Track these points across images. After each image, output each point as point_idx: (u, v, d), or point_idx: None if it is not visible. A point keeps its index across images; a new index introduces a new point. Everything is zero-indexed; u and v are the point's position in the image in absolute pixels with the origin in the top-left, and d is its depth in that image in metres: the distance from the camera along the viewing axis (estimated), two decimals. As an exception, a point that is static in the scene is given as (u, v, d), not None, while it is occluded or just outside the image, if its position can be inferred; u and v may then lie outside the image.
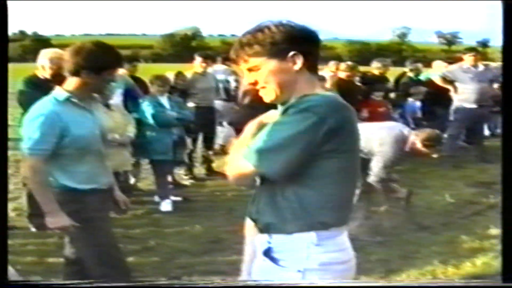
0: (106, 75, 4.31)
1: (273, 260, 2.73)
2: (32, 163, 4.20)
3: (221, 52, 19.05)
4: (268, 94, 2.76)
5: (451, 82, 11.24)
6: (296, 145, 2.57)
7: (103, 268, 4.35)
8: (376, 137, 6.58)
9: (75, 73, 4.21)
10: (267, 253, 2.76)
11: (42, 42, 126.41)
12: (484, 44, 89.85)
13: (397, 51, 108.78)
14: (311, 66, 2.77)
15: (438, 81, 11.48)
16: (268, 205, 2.76)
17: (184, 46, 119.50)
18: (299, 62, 2.71)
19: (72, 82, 4.27)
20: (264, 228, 2.79)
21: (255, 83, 2.78)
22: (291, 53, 2.70)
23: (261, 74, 2.75)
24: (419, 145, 6.52)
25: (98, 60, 4.21)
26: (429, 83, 12.30)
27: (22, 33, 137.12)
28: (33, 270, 6.03)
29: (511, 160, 2.06)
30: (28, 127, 4.21)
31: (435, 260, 6.17)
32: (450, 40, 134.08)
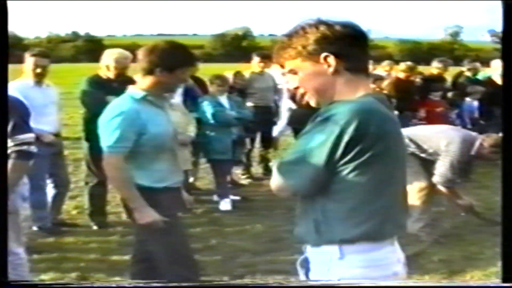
0: (179, 74, 4.36)
1: (306, 270, 2.72)
2: (114, 161, 4.27)
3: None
4: (310, 98, 2.64)
5: None
6: (318, 157, 2.46)
7: (175, 267, 4.39)
8: (444, 136, 6.52)
9: (149, 71, 4.26)
10: (302, 263, 2.73)
11: (94, 42, 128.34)
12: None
13: (449, 50, 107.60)
14: (351, 66, 2.56)
15: (500, 81, 11.32)
16: (300, 216, 2.70)
17: (234, 46, 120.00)
18: (333, 63, 2.53)
19: (146, 81, 4.32)
20: (297, 239, 2.74)
21: (297, 88, 2.66)
22: (323, 54, 2.53)
23: (299, 78, 2.62)
24: (486, 150, 6.44)
25: (172, 58, 4.27)
26: (487, 82, 12.15)
27: (75, 34, 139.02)
28: (97, 268, 6.13)
29: (511, 160, 2.01)
30: (108, 125, 4.25)
31: (499, 262, 6.12)
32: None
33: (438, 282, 3.85)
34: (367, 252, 2.54)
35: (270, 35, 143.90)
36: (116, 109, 4.28)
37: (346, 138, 2.40)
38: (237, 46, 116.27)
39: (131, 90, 4.39)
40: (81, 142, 8.10)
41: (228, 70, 10.40)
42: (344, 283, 2.49)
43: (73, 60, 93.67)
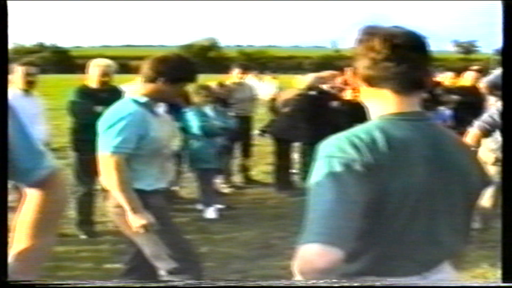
0: (179, 88, 4.58)
1: None
2: (116, 162, 4.31)
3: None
4: None
5: (497, 89, 11.27)
6: None
7: (177, 265, 4.51)
8: None
9: (152, 80, 4.43)
10: None
11: (61, 53, 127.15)
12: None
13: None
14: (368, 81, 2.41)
15: (485, 90, 11.49)
16: None
17: (201, 57, 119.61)
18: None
19: (146, 88, 4.48)
20: None
21: None
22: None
23: None
24: None
25: (177, 72, 4.45)
26: (462, 91, 12.37)
27: (41, 45, 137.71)
28: (92, 276, 6.19)
29: (511, 160, 2.07)
30: (113, 126, 4.34)
31: (484, 264, 6.30)
32: (468, 48, 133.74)
33: (438, 282, 3.94)
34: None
35: (237, 46, 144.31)
36: (121, 111, 4.41)
37: None
38: (204, 57, 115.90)
39: (132, 95, 4.56)
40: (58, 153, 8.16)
41: (199, 81, 10.50)
42: (344, 283, 2.47)
43: (40, 72, 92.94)
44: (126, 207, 4.37)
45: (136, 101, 4.45)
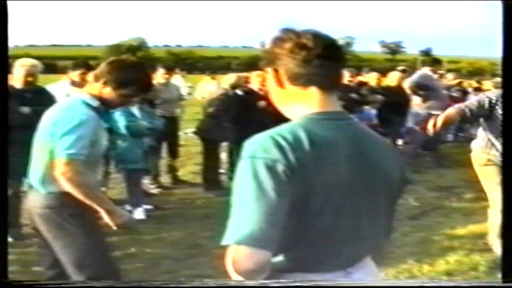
0: (119, 95, 4.35)
1: None
2: (77, 167, 4.13)
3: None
4: None
5: (421, 89, 11.53)
6: None
7: (99, 270, 4.44)
8: None
9: (96, 79, 4.32)
10: None
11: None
12: (427, 53, 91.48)
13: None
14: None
15: (408, 89, 11.74)
16: None
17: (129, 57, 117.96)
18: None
19: (93, 88, 4.35)
20: None
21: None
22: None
23: None
24: None
25: (119, 77, 4.30)
26: (387, 91, 12.59)
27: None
28: (21, 279, 6.08)
29: (511, 160, 2.12)
30: (71, 131, 4.13)
31: (409, 259, 6.42)
32: (394, 49, 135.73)
33: (438, 282, 4.01)
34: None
35: (165, 46, 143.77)
36: (77, 115, 4.19)
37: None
38: (132, 57, 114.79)
39: (82, 95, 4.37)
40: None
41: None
42: (343, 283, 2.44)
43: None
44: (100, 209, 4.26)
45: (88, 104, 4.27)
